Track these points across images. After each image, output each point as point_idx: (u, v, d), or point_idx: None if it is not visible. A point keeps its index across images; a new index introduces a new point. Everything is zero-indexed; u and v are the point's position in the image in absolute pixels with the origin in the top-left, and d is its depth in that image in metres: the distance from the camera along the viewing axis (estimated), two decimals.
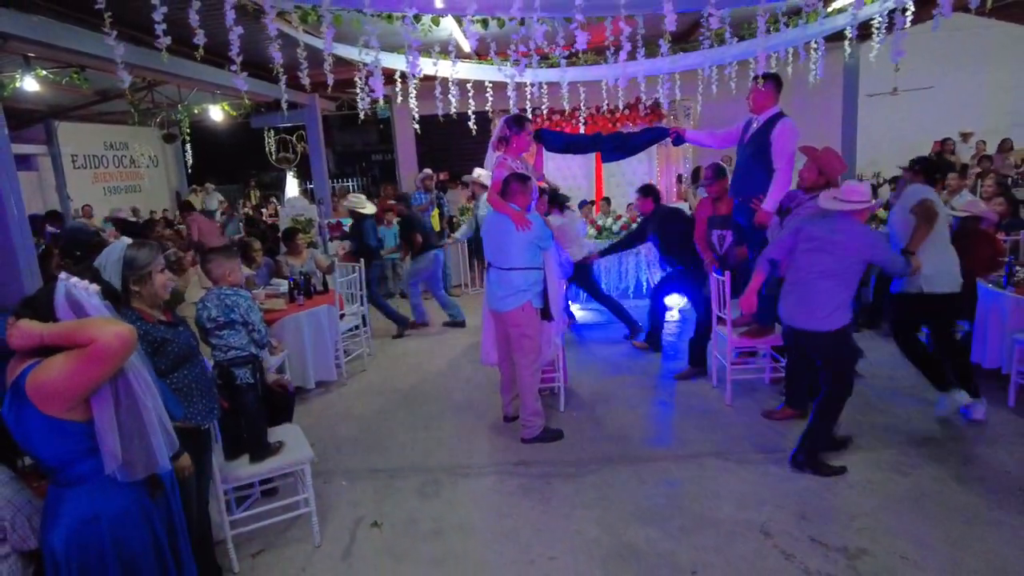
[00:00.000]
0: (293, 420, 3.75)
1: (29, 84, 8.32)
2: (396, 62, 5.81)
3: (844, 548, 3.00)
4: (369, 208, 6.86)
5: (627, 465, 3.92)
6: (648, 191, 5.76)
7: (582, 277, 6.19)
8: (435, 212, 8.54)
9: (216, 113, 12.17)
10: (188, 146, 12.17)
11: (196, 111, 12.31)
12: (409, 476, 3.95)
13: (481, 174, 6.91)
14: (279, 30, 4.83)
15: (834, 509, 3.32)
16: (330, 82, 4.49)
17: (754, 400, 4.71)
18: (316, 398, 5.28)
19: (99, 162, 15.51)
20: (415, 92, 5.82)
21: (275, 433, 3.29)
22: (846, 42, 6.33)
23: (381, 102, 6.40)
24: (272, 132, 12.56)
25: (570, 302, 5.79)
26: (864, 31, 6.32)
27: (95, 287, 1.74)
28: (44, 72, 8.46)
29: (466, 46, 6.84)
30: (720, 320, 4.75)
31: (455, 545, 3.23)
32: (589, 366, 5.70)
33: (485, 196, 6.43)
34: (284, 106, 4.61)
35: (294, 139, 12.18)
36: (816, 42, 5.96)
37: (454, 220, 8.88)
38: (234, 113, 12.51)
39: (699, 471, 3.79)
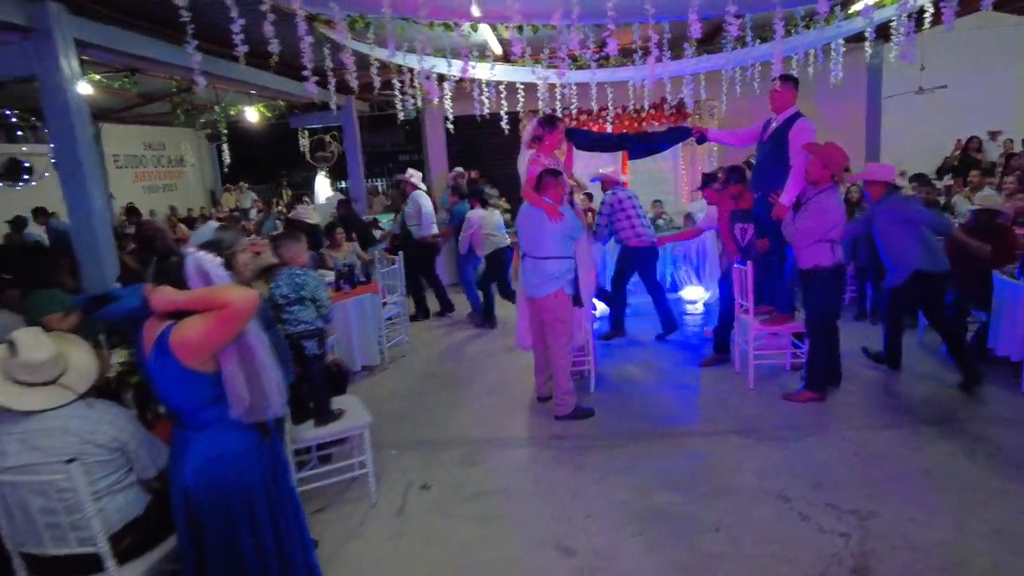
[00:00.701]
0: None
1: (83, 88, 8.81)
2: (428, 64, 6.13)
3: (856, 511, 3.26)
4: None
5: (654, 440, 4.22)
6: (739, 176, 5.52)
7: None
8: None
9: (252, 114, 12.65)
10: (225, 146, 12.64)
11: (232, 112, 12.81)
12: (452, 447, 4.29)
13: (412, 174, 7.71)
14: (325, 36, 5.24)
15: (848, 478, 3.58)
16: (376, 84, 4.84)
17: (776, 384, 4.97)
18: (361, 380, 5.64)
19: (139, 162, 16.11)
20: (434, 92, 6.12)
21: (335, 402, 3.65)
22: (867, 43, 6.54)
23: (419, 103, 6.71)
24: (306, 132, 12.97)
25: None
26: (883, 32, 6.53)
27: (220, 259, 2.10)
28: (97, 77, 8.96)
29: (498, 49, 7.18)
30: (742, 308, 5.02)
31: (498, 505, 3.56)
32: (618, 353, 5.99)
33: (415, 194, 7.46)
34: (334, 107, 4.97)
35: (329, 139, 12.59)
36: (835, 44, 6.18)
37: None
38: (269, 114, 12.99)
39: (721, 446, 4.08)
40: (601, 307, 6.32)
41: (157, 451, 2.42)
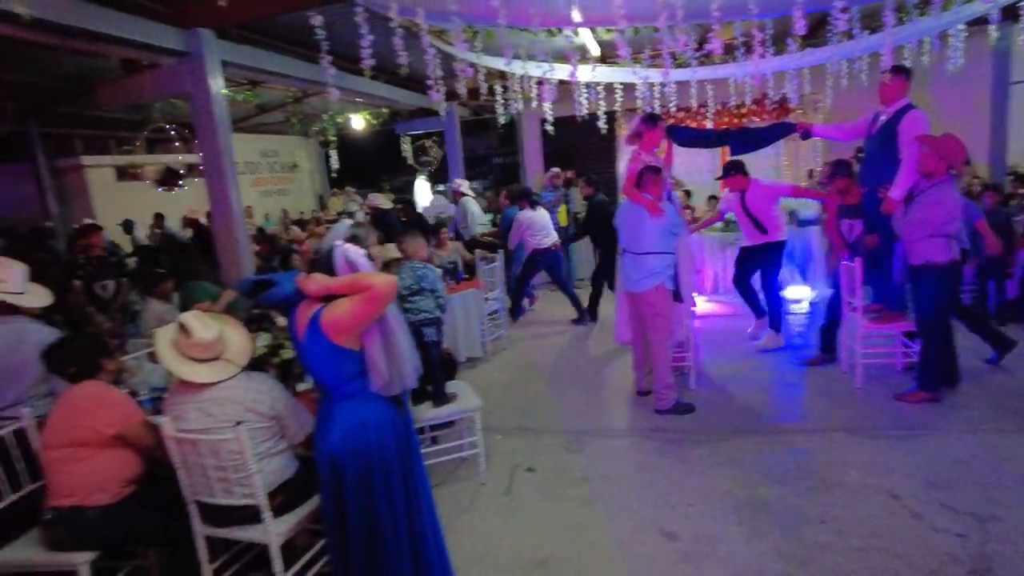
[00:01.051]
0: None
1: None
2: (533, 69, 6.36)
3: (974, 513, 3.17)
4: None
5: (756, 436, 4.23)
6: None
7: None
8: (562, 208, 9.06)
9: (358, 122, 13.42)
10: (333, 152, 13.46)
11: (340, 120, 13.63)
12: (554, 435, 4.48)
13: (460, 183, 8.78)
14: (432, 45, 5.56)
15: (965, 480, 3.47)
16: (483, 90, 5.10)
17: (886, 384, 4.82)
18: (465, 371, 5.94)
19: (255, 168, 17.38)
20: (548, 95, 6.33)
21: (448, 387, 3.92)
22: (992, 27, 6.17)
23: (520, 106, 6.95)
24: (408, 138, 13.60)
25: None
26: (1011, 13, 6.13)
27: (363, 250, 2.39)
28: (225, 91, 9.86)
29: (596, 51, 7.32)
30: (851, 306, 4.90)
31: (601, 490, 3.71)
32: (718, 351, 5.98)
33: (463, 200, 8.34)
34: (443, 113, 5.27)
35: (430, 143, 13.15)
36: (953, 29, 5.87)
37: (578, 216, 9.35)
38: (374, 121, 13.73)
39: (827, 443, 4.03)
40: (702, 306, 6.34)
41: (304, 419, 2.76)
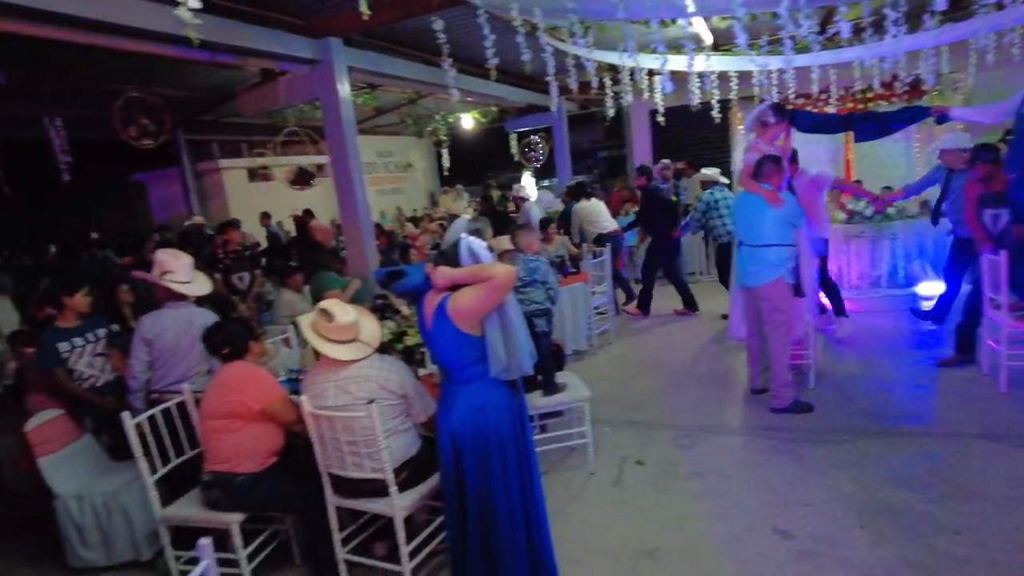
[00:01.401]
0: None
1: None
2: (649, 61, 6.29)
3: None
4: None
5: (881, 437, 4.00)
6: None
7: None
8: (672, 199, 8.90)
9: (467, 121, 13.80)
10: (444, 150, 13.93)
11: (451, 120, 14.08)
12: (664, 429, 4.46)
13: (520, 188, 9.74)
14: (549, 43, 5.65)
15: None
16: (594, 84, 5.12)
17: None
18: (572, 364, 6.01)
19: (372, 168, 18.29)
20: (668, 86, 6.23)
21: (557, 377, 4.01)
22: None
23: (630, 98, 6.89)
24: (515, 135, 13.81)
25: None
26: None
27: (484, 242, 2.52)
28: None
29: (710, 39, 7.13)
30: (994, 304, 4.51)
31: (713, 486, 3.66)
32: (840, 349, 5.68)
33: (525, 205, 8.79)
34: (554, 110, 5.35)
35: (537, 139, 13.26)
36: None
37: (690, 208, 9.15)
38: (483, 120, 14.06)
39: (963, 449, 3.75)
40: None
41: (428, 401, 2.95)
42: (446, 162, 14.26)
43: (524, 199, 9.43)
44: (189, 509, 3.12)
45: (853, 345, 5.77)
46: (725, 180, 7.06)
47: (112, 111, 6.21)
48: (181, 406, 3.33)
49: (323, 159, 9.98)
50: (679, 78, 6.76)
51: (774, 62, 6.08)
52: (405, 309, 4.33)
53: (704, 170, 6.97)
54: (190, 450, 3.31)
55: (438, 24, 3.81)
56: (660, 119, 6.62)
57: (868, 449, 3.87)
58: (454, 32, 4.60)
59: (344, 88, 5.10)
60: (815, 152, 10.07)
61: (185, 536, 3.13)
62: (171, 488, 3.25)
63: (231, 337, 3.11)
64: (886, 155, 9.64)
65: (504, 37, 4.63)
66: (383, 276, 2.77)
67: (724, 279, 6.93)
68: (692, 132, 10.76)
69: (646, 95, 6.74)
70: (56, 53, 5.66)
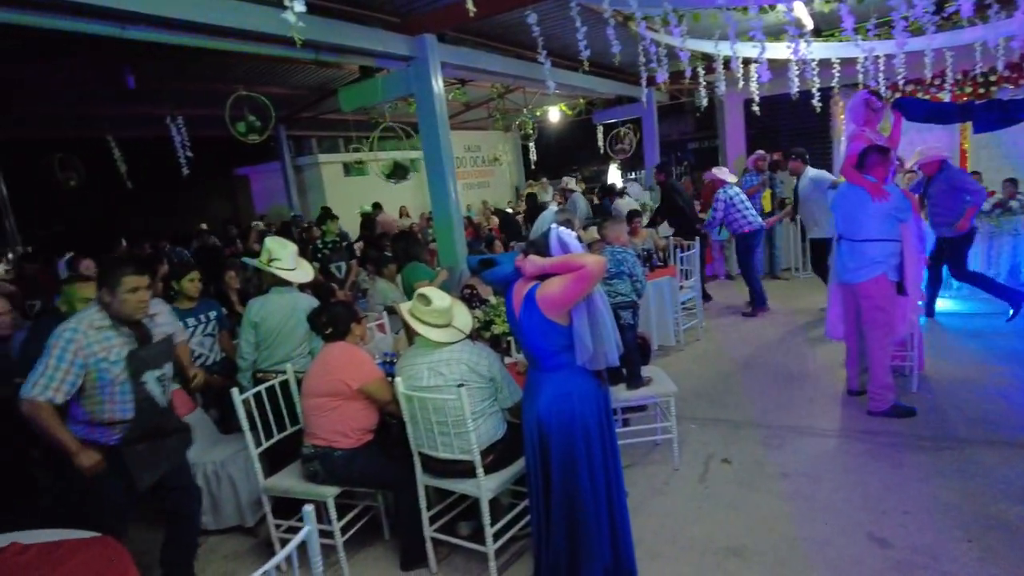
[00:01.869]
0: None
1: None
2: (746, 50, 6.09)
3: None
4: None
5: (992, 447, 3.73)
6: None
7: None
8: (766, 193, 8.59)
9: (554, 114, 13.80)
10: (531, 144, 14.00)
11: (538, 113, 14.12)
12: (752, 428, 4.34)
13: (567, 181, 10.31)
14: (644, 31, 5.57)
15: None
16: (688, 73, 5.01)
17: None
18: (658, 359, 5.92)
19: (460, 163, 18.66)
20: (765, 75, 6.01)
21: (643, 371, 3.99)
22: None
23: (723, 87, 6.68)
24: (602, 127, 13.68)
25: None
26: None
27: (574, 232, 2.56)
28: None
29: (810, 24, 6.79)
30: None
31: (803, 487, 3.55)
32: (949, 352, 5.32)
33: (573, 196, 9.53)
34: (644, 98, 5.29)
35: (625, 131, 13.07)
36: None
37: (786, 201, 8.78)
38: (570, 112, 14.02)
39: None
40: None
41: (514, 387, 3.02)
42: (533, 156, 14.35)
43: (572, 190, 9.93)
44: (289, 481, 3.33)
45: (964, 348, 5.39)
46: (732, 178, 7.35)
47: (222, 109, 6.67)
48: (284, 384, 3.55)
49: (417, 154, 10.29)
50: (776, 67, 6.52)
51: (882, 46, 5.72)
52: (492, 298, 4.43)
53: (715, 170, 7.65)
54: (291, 426, 3.54)
55: (531, 17, 3.85)
56: (756, 108, 6.42)
57: (977, 458, 3.62)
58: (544, 24, 4.63)
59: (438, 83, 5.24)
60: (924, 143, 9.42)
61: (284, 507, 3.37)
62: (271, 462, 3.49)
63: (335, 318, 3.29)
64: (1011, 143, 8.85)
65: (594, 29, 4.61)
66: (475, 264, 2.86)
67: (822, 273, 6.66)
68: (789, 122, 10.30)
69: (740, 84, 6.51)
70: (176, 58, 6.17)
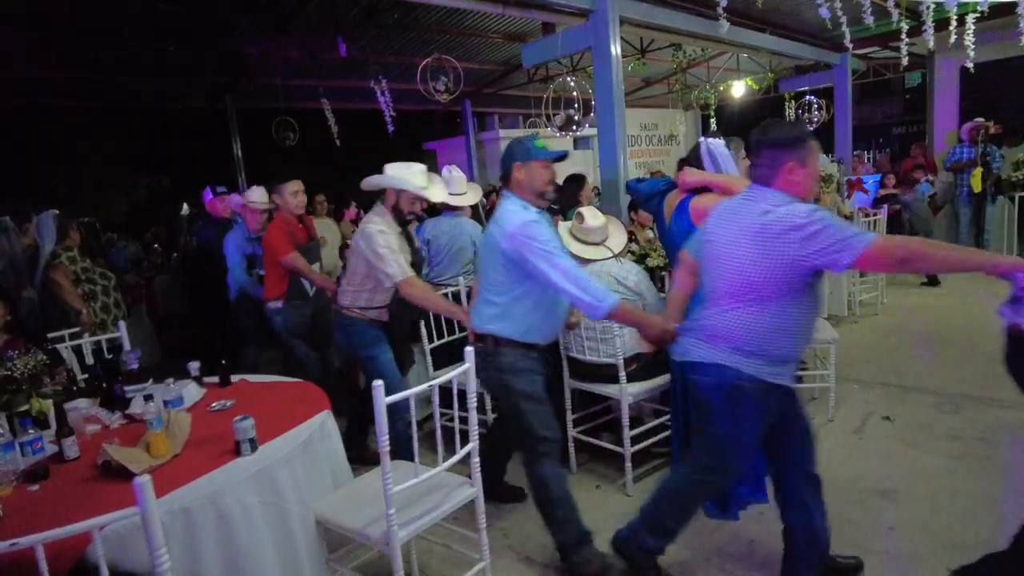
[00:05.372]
0: None
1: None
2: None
3: None
4: None
5: None
6: None
7: None
8: (976, 171, 7.66)
9: (739, 88, 13.23)
10: (712, 121, 13.55)
11: (721, 88, 13.64)
12: (924, 394, 4.05)
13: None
14: None
15: None
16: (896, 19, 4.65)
17: None
18: None
19: (635, 141, 18.54)
20: (970, 27, 5.43)
21: None
22: None
23: (931, 45, 6.05)
24: (789, 96, 12.81)
25: None
26: None
27: (722, 142, 2.66)
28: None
29: None
30: None
31: (975, 448, 3.29)
32: None
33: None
34: (837, 58, 5.00)
35: (814, 100, 12.10)
36: None
37: (1002, 179, 7.72)
38: (756, 87, 13.36)
39: None
40: None
41: (662, 306, 3.16)
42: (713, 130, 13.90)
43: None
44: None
45: None
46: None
47: (419, 71, 7.39)
48: (456, 295, 3.98)
49: (592, 132, 10.54)
50: (1006, 27, 5.83)
51: None
52: (649, 233, 4.56)
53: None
54: (459, 332, 3.96)
55: None
56: (969, 65, 5.79)
57: None
58: None
59: (615, 39, 5.37)
60: None
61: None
62: (435, 363, 3.93)
63: None
64: None
65: None
66: (633, 180, 3.06)
67: None
68: (1017, 91, 8.96)
69: (952, 40, 5.87)
70: (381, 31, 7.01)
